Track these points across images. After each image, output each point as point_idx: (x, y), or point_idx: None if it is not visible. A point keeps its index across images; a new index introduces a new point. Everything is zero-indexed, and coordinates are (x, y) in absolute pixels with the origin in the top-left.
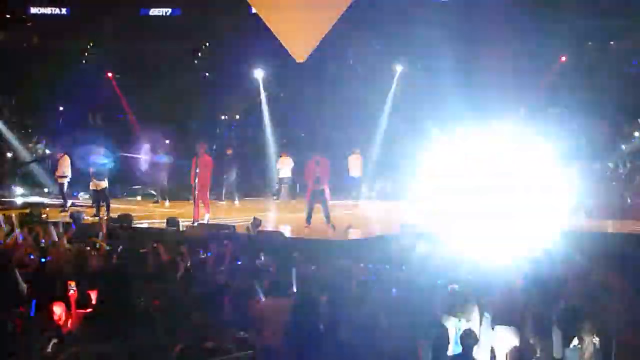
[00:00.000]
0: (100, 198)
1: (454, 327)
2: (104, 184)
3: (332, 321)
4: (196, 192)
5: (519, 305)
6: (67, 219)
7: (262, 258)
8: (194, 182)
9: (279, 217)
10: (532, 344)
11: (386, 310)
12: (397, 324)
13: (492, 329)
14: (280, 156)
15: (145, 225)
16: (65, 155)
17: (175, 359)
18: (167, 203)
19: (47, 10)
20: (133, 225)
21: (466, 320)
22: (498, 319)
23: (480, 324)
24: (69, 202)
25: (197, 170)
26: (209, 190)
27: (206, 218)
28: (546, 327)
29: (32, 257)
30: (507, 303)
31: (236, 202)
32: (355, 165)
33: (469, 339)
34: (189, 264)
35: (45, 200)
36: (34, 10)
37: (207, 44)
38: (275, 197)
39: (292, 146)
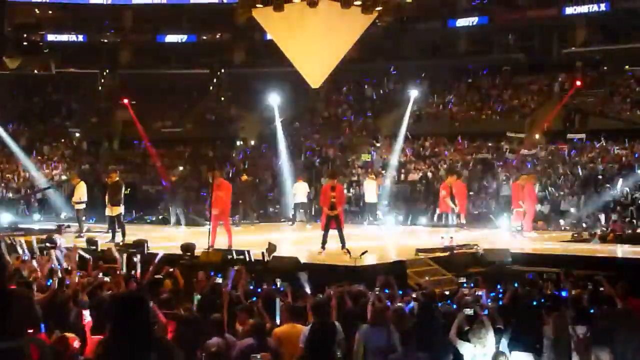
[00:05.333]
0: (115, 224)
1: (469, 352)
2: (120, 209)
3: (348, 347)
4: (214, 218)
5: (536, 330)
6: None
7: (278, 284)
8: (212, 208)
9: (294, 243)
10: None
11: (401, 336)
12: (412, 350)
13: (509, 354)
14: (296, 181)
15: (160, 251)
16: (82, 182)
17: None
18: (182, 228)
19: (64, 37)
20: (148, 251)
21: (482, 345)
22: (514, 344)
23: (496, 349)
24: (85, 228)
25: (216, 195)
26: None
27: (228, 244)
28: (565, 352)
29: (48, 283)
30: (523, 328)
31: (251, 227)
32: (370, 190)
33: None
34: (204, 290)
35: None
36: (50, 37)
37: (222, 70)
38: (290, 223)
39: (308, 171)
